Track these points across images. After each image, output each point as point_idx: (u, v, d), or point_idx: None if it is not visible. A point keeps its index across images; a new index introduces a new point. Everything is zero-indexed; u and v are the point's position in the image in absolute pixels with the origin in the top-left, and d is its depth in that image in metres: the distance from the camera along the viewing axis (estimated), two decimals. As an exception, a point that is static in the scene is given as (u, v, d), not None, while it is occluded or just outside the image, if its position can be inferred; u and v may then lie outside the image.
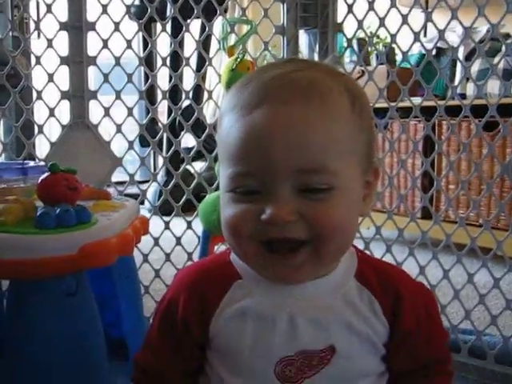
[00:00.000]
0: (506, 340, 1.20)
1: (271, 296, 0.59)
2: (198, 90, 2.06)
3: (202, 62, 1.51)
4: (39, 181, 0.89)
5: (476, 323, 1.26)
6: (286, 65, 0.58)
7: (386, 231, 1.33)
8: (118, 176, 1.44)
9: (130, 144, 1.35)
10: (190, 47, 1.43)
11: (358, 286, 0.60)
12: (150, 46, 1.40)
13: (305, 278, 0.57)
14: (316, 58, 1.38)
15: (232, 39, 1.34)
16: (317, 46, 1.37)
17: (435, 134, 2.04)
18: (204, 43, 1.45)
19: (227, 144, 0.55)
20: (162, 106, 2.12)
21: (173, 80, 1.37)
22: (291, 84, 0.53)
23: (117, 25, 1.30)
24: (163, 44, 2.13)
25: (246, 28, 1.31)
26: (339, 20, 1.35)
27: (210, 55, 1.42)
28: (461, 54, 2.19)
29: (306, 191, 0.53)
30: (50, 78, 1.28)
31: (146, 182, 1.49)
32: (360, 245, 1.28)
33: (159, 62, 1.39)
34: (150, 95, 1.52)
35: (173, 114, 1.37)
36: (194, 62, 1.53)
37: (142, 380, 0.66)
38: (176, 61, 1.62)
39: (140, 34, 1.36)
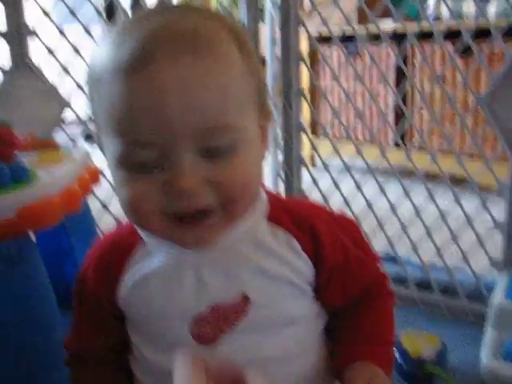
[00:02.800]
0: (477, 278, 1.18)
1: (174, 254, 0.55)
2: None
3: None
4: (-31, 136, 0.80)
5: (448, 260, 1.24)
6: (160, 14, 0.50)
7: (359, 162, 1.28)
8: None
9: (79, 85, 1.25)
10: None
11: (272, 227, 0.56)
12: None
13: (217, 239, 0.52)
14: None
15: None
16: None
17: (408, 61, 1.98)
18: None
19: (111, 114, 0.48)
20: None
21: None
22: (176, 37, 0.47)
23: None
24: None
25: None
26: None
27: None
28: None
29: (209, 153, 0.48)
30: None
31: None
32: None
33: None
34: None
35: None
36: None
37: (72, 363, 0.65)
38: None
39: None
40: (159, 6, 0.53)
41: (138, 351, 0.59)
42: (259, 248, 0.55)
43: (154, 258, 0.56)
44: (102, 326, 0.61)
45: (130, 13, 1.29)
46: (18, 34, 1.20)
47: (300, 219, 0.57)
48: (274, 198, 0.59)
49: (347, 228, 0.61)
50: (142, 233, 0.57)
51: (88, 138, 2.26)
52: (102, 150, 0.55)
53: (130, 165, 0.48)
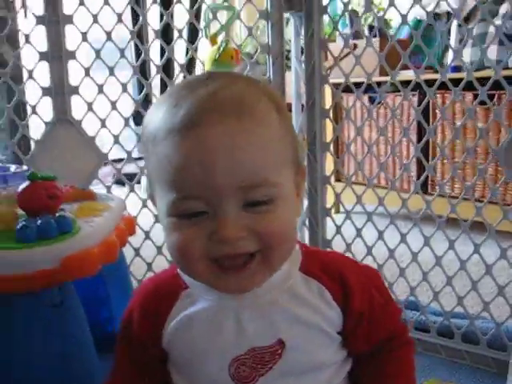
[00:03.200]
0: (498, 325, 1.19)
1: (216, 299, 0.60)
2: (191, 64, 2.02)
3: (193, 36, 1.47)
4: (19, 191, 0.87)
5: (468, 307, 1.26)
6: (208, 82, 0.56)
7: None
8: (116, 154, 1.41)
9: (116, 138, 1.33)
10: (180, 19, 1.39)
11: (304, 278, 0.61)
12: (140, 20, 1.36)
13: (257, 285, 0.58)
14: (302, 41, 1.34)
15: (215, 26, 1.30)
16: (302, 29, 1.33)
17: (430, 110, 2.03)
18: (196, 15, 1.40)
19: (165, 170, 0.54)
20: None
21: (166, 54, 1.33)
22: (222, 102, 0.54)
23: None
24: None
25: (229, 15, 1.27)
26: (324, 2, 1.31)
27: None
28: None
29: (250, 206, 0.54)
30: (30, 74, 1.25)
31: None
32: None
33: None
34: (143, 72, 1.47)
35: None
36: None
37: None
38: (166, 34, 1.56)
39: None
40: (206, 74, 0.60)
41: None
42: (293, 297, 0.60)
43: (197, 304, 0.61)
44: (146, 368, 0.65)
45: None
46: (61, 91, 1.29)
47: (330, 269, 0.62)
48: (306, 249, 0.65)
49: (372, 278, 0.66)
50: (186, 279, 0.62)
51: (117, 181, 2.33)
52: (152, 200, 0.62)
53: (180, 213, 0.54)
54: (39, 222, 0.84)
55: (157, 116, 0.56)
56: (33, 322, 0.85)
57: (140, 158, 1.48)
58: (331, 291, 0.61)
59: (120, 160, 1.39)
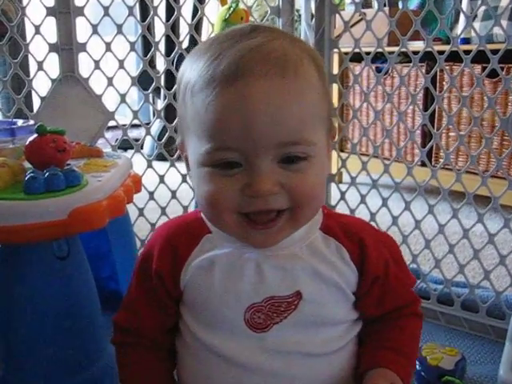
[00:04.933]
0: (497, 294, 1.21)
1: (239, 247, 0.61)
2: (193, 38, 2.00)
3: (195, 11, 1.45)
4: (27, 143, 0.87)
5: (469, 276, 1.27)
6: (252, 35, 0.56)
7: (385, 178, 1.32)
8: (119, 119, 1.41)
9: (123, 97, 1.32)
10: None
11: (324, 236, 0.63)
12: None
13: (281, 240, 0.59)
14: (313, 5, 1.32)
15: (225, -14, 1.28)
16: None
17: (437, 81, 2.02)
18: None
19: (205, 119, 0.54)
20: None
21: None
22: (267, 57, 0.53)
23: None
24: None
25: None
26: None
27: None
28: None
29: (285, 162, 0.54)
30: (37, 29, 1.24)
31: (147, 124, 1.46)
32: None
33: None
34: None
35: (171, 56, 1.32)
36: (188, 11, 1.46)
37: (122, 341, 0.68)
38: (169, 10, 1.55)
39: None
40: (249, 26, 0.58)
41: (190, 333, 0.64)
42: (313, 253, 0.62)
43: (218, 249, 0.62)
44: (160, 305, 0.65)
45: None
46: (69, 47, 1.27)
47: (350, 231, 0.64)
48: (327, 211, 0.66)
49: (390, 246, 0.68)
50: (209, 224, 0.63)
51: (121, 146, 2.33)
52: (181, 149, 0.63)
53: (215, 163, 0.55)
54: (47, 174, 0.84)
55: (197, 65, 0.56)
56: (39, 274, 0.86)
57: (147, 123, 1.49)
58: (349, 250, 0.62)
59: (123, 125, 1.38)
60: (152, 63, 2.08)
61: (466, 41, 2.10)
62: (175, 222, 0.68)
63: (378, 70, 1.36)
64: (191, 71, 0.56)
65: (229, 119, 0.52)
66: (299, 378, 0.61)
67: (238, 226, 0.57)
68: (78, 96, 1.27)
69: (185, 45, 1.34)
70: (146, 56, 1.34)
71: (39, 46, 1.29)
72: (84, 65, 1.32)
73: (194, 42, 1.46)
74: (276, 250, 0.60)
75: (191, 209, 1.40)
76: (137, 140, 1.39)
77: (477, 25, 2.08)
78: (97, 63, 1.29)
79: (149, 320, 0.66)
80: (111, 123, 1.36)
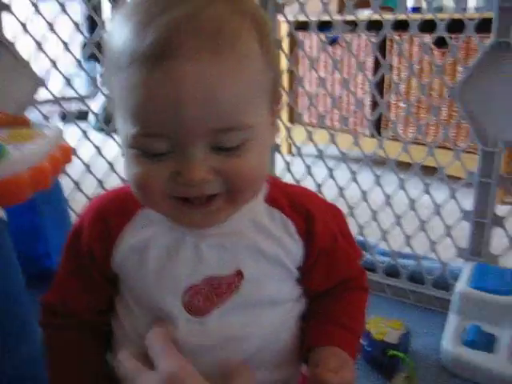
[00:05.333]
0: (443, 265, 1.20)
1: (174, 227, 0.56)
2: None
3: None
4: None
5: (416, 248, 1.26)
6: None
7: (333, 149, 1.29)
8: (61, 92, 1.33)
9: (54, 64, 1.24)
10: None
11: (268, 209, 0.59)
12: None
13: (220, 221, 0.55)
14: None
15: None
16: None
17: (386, 51, 1.99)
18: None
19: (129, 100, 0.48)
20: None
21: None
22: (199, 30, 0.46)
23: None
24: None
25: None
26: None
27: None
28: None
29: (220, 149, 0.49)
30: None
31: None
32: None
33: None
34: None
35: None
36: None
37: (50, 322, 0.63)
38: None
39: None
40: None
41: (128, 311, 0.59)
42: (256, 228, 0.58)
43: (154, 227, 0.57)
44: (91, 284, 0.60)
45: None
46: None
47: (296, 202, 0.60)
48: (273, 181, 0.61)
49: (337, 218, 0.64)
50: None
51: (64, 117, 2.24)
52: (115, 122, 0.55)
53: (142, 149, 0.49)
54: (-40, 143, 0.76)
55: (122, 34, 0.48)
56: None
57: (85, 97, 1.41)
58: (295, 223, 0.59)
59: (68, 99, 1.31)
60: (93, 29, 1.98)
61: (417, 10, 2.07)
62: (108, 195, 0.62)
63: (329, 39, 1.32)
64: (116, 39, 0.49)
65: (155, 103, 0.47)
66: (237, 360, 0.57)
67: (172, 208, 0.52)
68: (3, 61, 1.17)
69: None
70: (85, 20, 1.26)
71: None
72: (10, 28, 1.23)
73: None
74: (217, 227, 0.55)
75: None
76: (84, 112, 1.31)
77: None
78: (24, 26, 1.19)
79: (78, 300, 0.61)
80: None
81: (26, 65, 1.21)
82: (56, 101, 1.29)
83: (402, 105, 2.06)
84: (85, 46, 1.27)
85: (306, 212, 0.59)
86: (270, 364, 0.60)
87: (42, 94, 1.29)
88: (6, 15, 1.19)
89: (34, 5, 1.20)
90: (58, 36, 1.23)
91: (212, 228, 0.55)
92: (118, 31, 0.49)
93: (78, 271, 0.60)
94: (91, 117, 2.58)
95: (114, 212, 0.59)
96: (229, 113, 0.48)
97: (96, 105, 2.52)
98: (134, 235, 0.58)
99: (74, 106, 1.58)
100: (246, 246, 0.57)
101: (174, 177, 0.49)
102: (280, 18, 1.30)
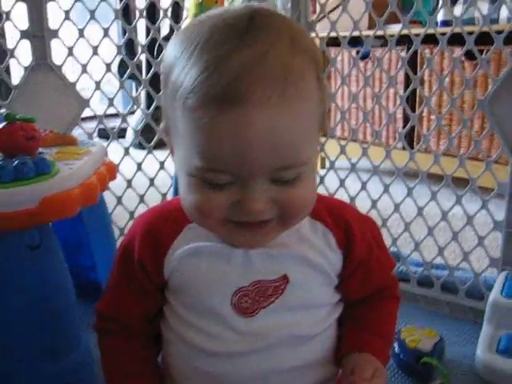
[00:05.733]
0: (476, 275, 1.21)
1: (223, 239, 0.60)
2: (176, 10, 1.96)
3: None
4: (-5, 131, 0.86)
5: (449, 258, 1.28)
6: (249, 36, 0.50)
7: (364, 162, 1.31)
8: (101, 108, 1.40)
9: (97, 84, 1.31)
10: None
11: (311, 222, 0.63)
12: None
13: (270, 241, 0.59)
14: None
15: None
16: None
17: (417, 65, 2.01)
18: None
19: (198, 139, 0.51)
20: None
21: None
22: (268, 76, 0.49)
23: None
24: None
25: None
26: None
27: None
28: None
29: (278, 182, 0.53)
30: (7, 16, 1.22)
31: (132, 113, 1.44)
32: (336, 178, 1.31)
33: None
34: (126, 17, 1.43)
35: (151, 35, 1.30)
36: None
37: (104, 328, 0.68)
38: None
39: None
40: (246, 17, 0.51)
41: (177, 317, 0.63)
42: (301, 240, 0.62)
43: (204, 239, 0.61)
44: (143, 294, 0.64)
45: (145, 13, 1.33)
46: (40, 34, 1.25)
47: (336, 215, 0.64)
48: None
49: (372, 229, 0.68)
50: None
51: (102, 135, 2.31)
52: (165, 132, 0.60)
53: (204, 180, 0.53)
54: (16, 162, 0.82)
55: (189, 70, 0.50)
56: (10, 264, 0.84)
57: (126, 114, 1.47)
58: (335, 236, 0.63)
59: (106, 116, 1.37)
60: (132, 51, 2.05)
61: (447, 23, 2.09)
62: (156, 211, 0.67)
63: (361, 55, 1.35)
64: (183, 74, 0.51)
65: (223, 145, 0.50)
66: (284, 361, 0.62)
67: (224, 229, 0.56)
68: (51, 84, 1.25)
69: (165, 32, 1.32)
70: (123, 44, 1.33)
71: (11, 33, 1.26)
72: (58, 52, 1.30)
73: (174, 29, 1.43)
74: None
75: (170, 196, 1.39)
76: (123, 130, 1.37)
77: (458, 8, 2.07)
78: (70, 50, 1.27)
79: (131, 308, 0.66)
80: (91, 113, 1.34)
81: (71, 87, 1.28)
82: (97, 119, 1.35)
83: (433, 117, 2.08)
84: (121, 64, 1.33)
85: (345, 224, 0.63)
86: (315, 362, 0.64)
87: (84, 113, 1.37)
88: (53, 41, 1.27)
89: (80, 30, 1.27)
90: (100, 58, 1.30)
91: None
92: (184, 66, 0.51)
93: (130, 283, 0.64)
94: (128, 134, 2.67)
95: (163, 227, 0.62)
96: (290, 154, 0.51)
97: (132, 122, 2.61)
98: (184, 246, 0.61)
99: (111, 124, 1.65)
100: (292, 255, 0.61)
101: (234, 205, 0.53)
102: (312, 34, 1.34)
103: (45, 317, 0.87)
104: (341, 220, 0.63)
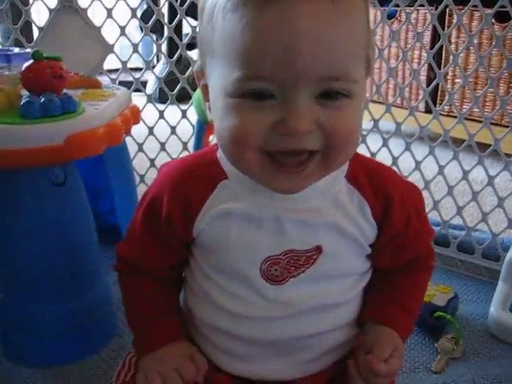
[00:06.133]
0: (494, 236, 1.21)
1: (258, 198, 0.57)
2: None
3: None
4: (23, 69, 0.86)
5: (467, 219, 1.28)
6: None
7: (386, 123, 1.30)
8: (113, 63, 1.40)
9: (122, 30, 1.30)
10: None
11: (349, 188, 0.59)
12: None
13: (308, 186, 0.55)
14: None
15: None
16: None
17: (445, 25, 1.97)
18: None
19: (239, 42, 0.47)
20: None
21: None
22: None
23: None
24: None
25: None
26: None
27: None
28: None
29: (325, 98, 0.48)
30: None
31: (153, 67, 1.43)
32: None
33: None
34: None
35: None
36: None
37: (124, 270, 0.67)
38: None
39: None
40: None
41: (202, 273, 0.62)
42: (336, 206, 0.59)
43: (235, 198, 0.58)
44: (168, 245, 0.62)
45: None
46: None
47: (377, 183, 0.60)
48: (355, 156, 0.60)
49: (415, 199, 0.64)
50: (226, 168, 0.58)
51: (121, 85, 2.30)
52: (198, 77, 0.56)
53: (245, 93, 0.48)
54: (43, 99, 0.83)
55: None
56: (36, 200, 0.86)
57: (139, 69, 1.45)
58: (372, 207, 0.59)
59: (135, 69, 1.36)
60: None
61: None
62: (186, 164, 0.62)
63: (388, 14, 1.32)
64: None
65: (268, 44, 0.45)
66: (309, 328, 0.61)
67: (261, 167, 0.51)
68: (76, 27, 1.24)
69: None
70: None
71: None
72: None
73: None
74: (297, 203, 0.57)
75: (190, 145, 1.40)
76: (143, 82, 1.37)
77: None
78: (96, -6, 1.26)
79: (155, 257, 0.64)
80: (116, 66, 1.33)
81: (97, 31, 1.27)
82: (123, 68, 1.35)
83: (458, 81, 2.04)
84: (143, 15, 1.31)
85: (386, 196, 0.60)
86: (339, 327, 0.63)
87: (110, 63, 1.37)
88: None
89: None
90: (126, 3, 1.28)
91: (292, 202, 0.56)
92: None
93: (156, 235, 0.62)
94: (149, 87, 2.66)
95: (194, 186, 0.59)
96: (340, 61, 0.47)
97: (152, 77, 2.60)
98: (216, 207, 0.58)
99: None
100: (326, 223, 0.58)
101: (275, 126, 0.48)
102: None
103: (65, 254, 0.89)
104: (381, 191, 0.59)
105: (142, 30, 1.31)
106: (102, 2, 1.27)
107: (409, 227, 0.62)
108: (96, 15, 1.32)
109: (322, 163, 0.51)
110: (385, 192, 0.60)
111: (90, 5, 1.27)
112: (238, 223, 0.58)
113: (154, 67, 2.70)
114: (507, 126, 1.15)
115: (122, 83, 1.31)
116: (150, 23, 1.28)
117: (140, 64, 1.41)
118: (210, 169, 0.59)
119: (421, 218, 0.64)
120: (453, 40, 2.04)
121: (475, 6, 1.13)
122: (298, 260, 0.59)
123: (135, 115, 1.06)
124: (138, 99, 1.33)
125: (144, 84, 1.40)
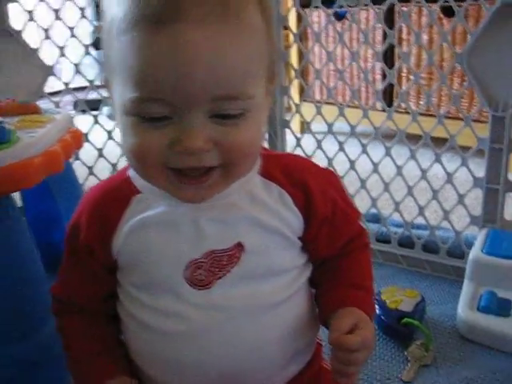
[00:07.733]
0: (457, 234, 1.20)
1: (172, 203, 0.56)
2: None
3: None
4: (-50, 99, 0.81)
5: (431, 217, 1.26)
6: None
7: (343, 125, 1.28)
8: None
9: (61, 50, 1.25)
10: None
11: (264, 182, 0.59)
12: None
13: (213, 196, 0.54)
14: None
15: None
16: None
17: (395, 22, 1.97)
18: None
19: (132, 64, 0.47)
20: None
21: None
22: None
23: None
24: None
25: None
26: None
27: None
28: None
29: (220, 117, 0.49)
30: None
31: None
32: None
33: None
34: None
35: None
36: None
37: (59, 310, 0.65)
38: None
39: None
40: None
41: (131, 299, 0.60)
42: (253, 201, 0.58)
43: (150, 209, 0.57)
44: (92, 276, 0.61)
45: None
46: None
47: (292, 174, 0.59)
48: (266, 153, 0.61)
49: (333, 182, 0.64)
50: (138, 184, 0.58)
51: (76, 106, 2.25)
52: (108, 88, 0.55)
53: (141, 114, 0.48)
54: (-28, 131, 0.78)
55: (120, 2, 0.47)
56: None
57: (102, 86, 1.41)
58: (292, 196, 0.58)
59: (81, 88, 1.31)
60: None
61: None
62: (101, 187, 0.62)
63: (337, 15, 1.31)
64: (117, 5, 0.48)
65: (158, 68, 0.45)
66: (248, 334, 0.58)
67: (167, 180, 0.51)
68: (11, 51, 1.19)
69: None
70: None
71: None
72: (17, 17, 1.24)
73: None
74: (212, 201, 0.55)
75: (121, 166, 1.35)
76: (98, 101, 1.33)
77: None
78: (30, 14, 1.20)
79: (84, 291, 0.63)
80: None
81: (33, 54, 1.22)
82: (66, 90, 1.30)
83: (412, 78, 2.04)
84: (93, 33, 1.27)
85: (303, 185, 0.59)
86: (286, 333, 0.60)
87: (55, 86, 1.31)
88: (12, 5, 1.21)
89: (39, -7, 1.21)
90: (63, 23, 1.24)
91: (207, 201, 0.55)
92: (116, 2, 0.48)
93: (79, 265, 0.61)
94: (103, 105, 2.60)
95: (110, 203, 0.58)
96: (232, 81, 0.47)
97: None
98: (132, 219, 0.58)
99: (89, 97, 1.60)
100: (245, 218, 0.57)
101: (172, 145, 0.49)
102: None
103: (9, 293, 0.84)
104: (297, 179, 0.59)
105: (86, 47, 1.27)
106: (37, 23, 1.22)
107: (337, 210, 0.61)
108: (33, 37, 1.26)
109: (224, 175, 0.52)
110: (301, 180, 0.59)
111: (24, 27, 1.22)
112: (156, 231, 0.57)
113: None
114: (462, 119, 1.14)
115: (89, 102, 1.27)
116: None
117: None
118: (123, 186, 0.59)
119: (345, 200, 0.64)
120: (404, 37, 2.05)
121: (418, 2, 1.11)
122: (220, 261, 0.57)
123: (77, 140, 1.01)
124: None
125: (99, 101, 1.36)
